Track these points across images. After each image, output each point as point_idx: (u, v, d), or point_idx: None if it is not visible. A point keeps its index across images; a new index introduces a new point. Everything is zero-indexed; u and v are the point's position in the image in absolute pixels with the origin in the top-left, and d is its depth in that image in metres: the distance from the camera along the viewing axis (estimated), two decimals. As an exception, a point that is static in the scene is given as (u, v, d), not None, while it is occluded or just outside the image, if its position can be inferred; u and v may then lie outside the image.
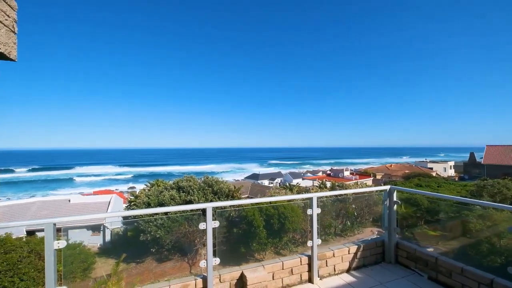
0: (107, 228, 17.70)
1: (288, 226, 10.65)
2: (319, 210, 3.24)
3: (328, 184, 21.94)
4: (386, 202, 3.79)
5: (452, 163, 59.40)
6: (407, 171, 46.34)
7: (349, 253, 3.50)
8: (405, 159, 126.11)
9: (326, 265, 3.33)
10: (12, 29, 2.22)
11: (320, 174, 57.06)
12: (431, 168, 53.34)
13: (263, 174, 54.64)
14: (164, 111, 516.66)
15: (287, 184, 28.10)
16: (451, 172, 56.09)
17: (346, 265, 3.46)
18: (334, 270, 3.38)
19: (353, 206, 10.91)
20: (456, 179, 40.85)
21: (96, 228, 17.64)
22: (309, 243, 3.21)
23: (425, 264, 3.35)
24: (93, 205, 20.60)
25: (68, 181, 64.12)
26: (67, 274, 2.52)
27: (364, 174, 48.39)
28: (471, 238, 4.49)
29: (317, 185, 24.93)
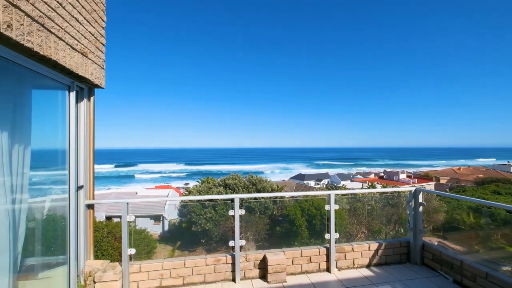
0: (166, 219, 20.20)
1: (330, 227, 10.69)
2: (336, 207, 3.54)
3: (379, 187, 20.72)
4: (411, 203, 3.85)
5: (546, 167, 48.89)
6: (480, 176, 39.94)
7: (369, 250, 3.68)
8: (481, 161, 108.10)
9: (345, 258, 3.60)
10: (102, 67, 3.18)
11: (371, 176, 53.39)
12: (516, 173, 44.87)
13: (309, 175, 53.78)
14: (218, 112, 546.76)
15: (334, 185, 27.36)
16: (545, 178, 46.18)
17: (365, 261, 3.66)
18: (353, 264, 3.62)
19: (407, 212, 10.24)
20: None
21: (157, 218, 20.31)
22: (327, 236, 3.54)
23: (450, 267, 3.35)
24: (154, 197, 23.61)
25: (134, 177, 73.71)
26: (135, 255, 3.26)
27: (424, 177, 43.44)
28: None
29: (366, 187, 23.67)
